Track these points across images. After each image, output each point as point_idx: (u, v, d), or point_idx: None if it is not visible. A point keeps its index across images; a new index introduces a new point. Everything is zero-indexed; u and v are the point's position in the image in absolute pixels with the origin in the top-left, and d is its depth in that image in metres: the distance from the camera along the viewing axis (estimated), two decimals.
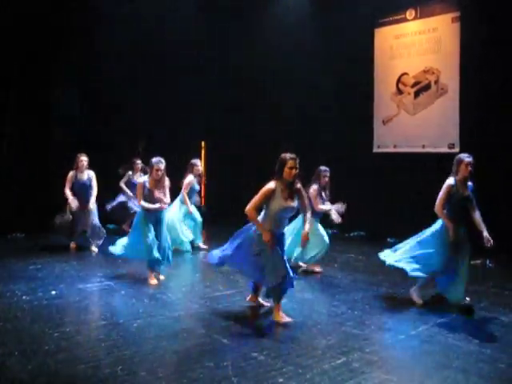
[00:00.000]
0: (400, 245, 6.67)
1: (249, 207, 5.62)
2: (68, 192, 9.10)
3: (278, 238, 5.70)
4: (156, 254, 7.09)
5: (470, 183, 6.32)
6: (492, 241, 5.97)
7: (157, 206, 7.10)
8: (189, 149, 13.19)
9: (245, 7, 12.92)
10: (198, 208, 10.07)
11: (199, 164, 9.59)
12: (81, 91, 11.59)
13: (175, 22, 12.24)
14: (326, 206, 7.85)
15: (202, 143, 13.98)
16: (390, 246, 10.06)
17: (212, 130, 13.54)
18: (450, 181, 6.23)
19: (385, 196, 10.75)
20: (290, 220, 6.26)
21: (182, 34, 12.41)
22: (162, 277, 7.46)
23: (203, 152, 13.93)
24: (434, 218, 6.47)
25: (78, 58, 11.41)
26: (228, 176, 13.26)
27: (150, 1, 12.00)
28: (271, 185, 5.63)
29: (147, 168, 8.14)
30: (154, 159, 7.20)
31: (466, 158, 6.23)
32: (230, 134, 13.34)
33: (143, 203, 7.11)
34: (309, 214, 5.91)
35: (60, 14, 11.09)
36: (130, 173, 10.95)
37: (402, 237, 10.05)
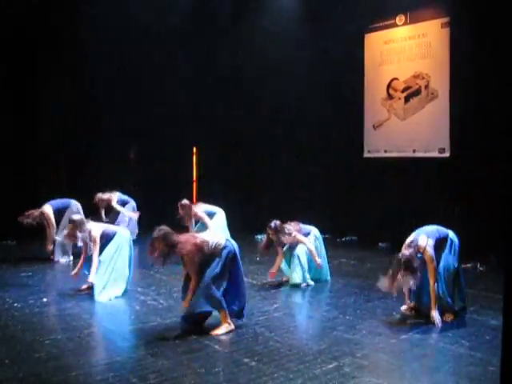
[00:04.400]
0: None
1: None
2: None
3: None
4: None
5: None
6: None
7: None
8: (180, 155, 13.21)
9: (235, 12, 12.97)
10: None
11: None
12: (69, 95, 11.54)
13: (167, 26, 12.27)
14: None
15: (194, 149, 13.96)
16: (381, 250, 10.18)
17: (204, 136, 13.52)
18: None
19: (376, 201, 10.78)
20: None
21: (173, 38, 12.45)
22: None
23: (195, 158, 13.91)
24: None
25: (70, 60, 11.41)
26: (221, 183, 13.21)
27: (144, 3, 12.02)
28: None
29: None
30: None
31: None
32: (224, 139, 13.33)
33: None
34: None
35: (48, 14, 11.11)
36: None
37: (393, 241, 10.11)
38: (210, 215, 9.55)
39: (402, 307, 6.29)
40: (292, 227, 7.50)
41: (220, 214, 9.70)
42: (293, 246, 7.59)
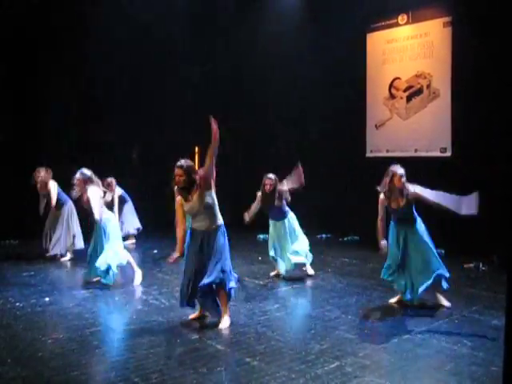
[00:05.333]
0: None
1: None
2: None
3: None
4: None
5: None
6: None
7: None
8: (182, 154, 13.18)
9: (238, 13, 12.96)
10: None
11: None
12: (72, 94, 11.53)
13: (167, 26, 12.26)
14: None
15: (196, 148, 13.92)
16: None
17: (207, 135, 13.47)
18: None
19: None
20: None
21: (175, 38, 12.45)
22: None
23: (197, 158, 13.87)
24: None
25: (70, 60, 11.40)
26: (225, 182, 13.13)
27: (144, 3, 12.00)
28: None
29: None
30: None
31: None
32: (226, 139, 13.29)
33: None
34: None
35: (48, 14, 11.09)
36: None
37: None
38: None
39: (391, 300, 6.61)
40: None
41: None
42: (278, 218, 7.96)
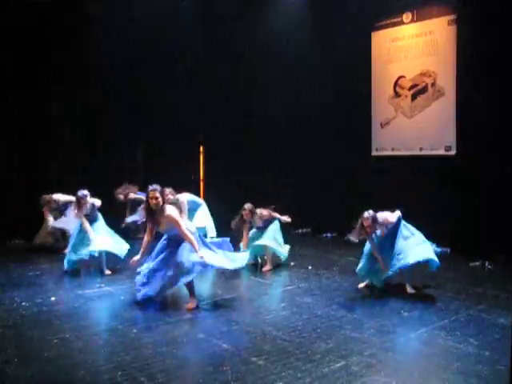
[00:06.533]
0: None
1: None
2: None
3: None
4: None
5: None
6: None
7: None
8: (187, 154, 13.21)
9: (241, 11, 12.95)
10: None
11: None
12: (78, 95, 11.54)
13: (168, 26, 12.27)
14: None
15: (201, 148, 13.95)
16: None
17: (211, 134, 13.49)
18: None
19: (384, 199, 10.73)
20: None
21: (175, 38, 12.45)
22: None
23: (202, 157, 13.90)
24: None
25: (70, 60, 11.42)
26: (228, 182, 13.15)
27: (148, 7, 11.99)
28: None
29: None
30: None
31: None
32: (230, 138, 13.31)
33: None
34: None
35: (50, 15, 11.11)
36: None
37: None
38: (195, 206, 9.75)
39: (360, 285, 7.28)
40: (264, 211, 8.58)
41: (204, 206, 9.98)
42: (260, 230, 8.57)
